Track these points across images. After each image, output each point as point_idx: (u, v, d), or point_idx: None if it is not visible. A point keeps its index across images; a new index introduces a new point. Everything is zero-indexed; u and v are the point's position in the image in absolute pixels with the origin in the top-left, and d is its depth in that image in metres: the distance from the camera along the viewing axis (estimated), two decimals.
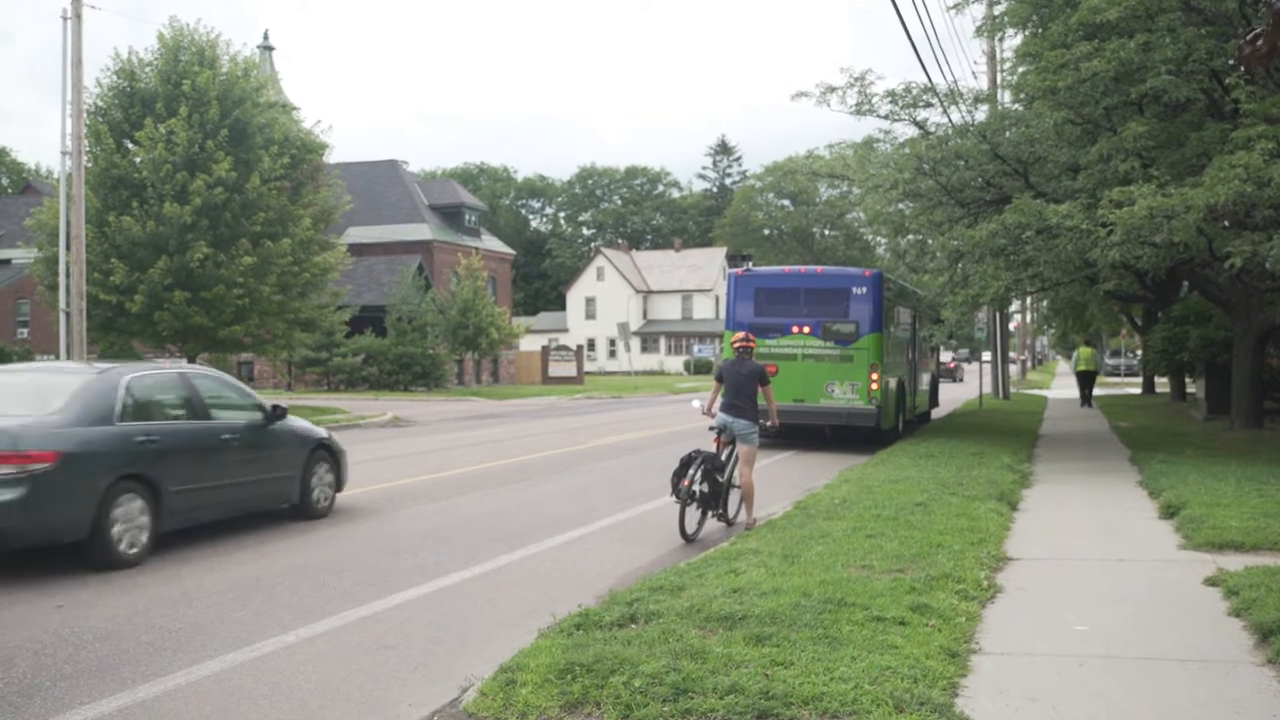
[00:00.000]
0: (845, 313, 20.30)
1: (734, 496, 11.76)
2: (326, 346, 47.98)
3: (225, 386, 12.00)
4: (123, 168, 30.96)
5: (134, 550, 9.71)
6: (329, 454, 12.75)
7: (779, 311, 20.64)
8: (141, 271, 30.36)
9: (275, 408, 12.12)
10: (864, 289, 20.33)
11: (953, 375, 61.29)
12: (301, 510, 12.24)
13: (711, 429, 11.76)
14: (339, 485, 12.99)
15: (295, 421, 12.51)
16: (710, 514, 11.34)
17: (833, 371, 20.13)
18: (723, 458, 11.45)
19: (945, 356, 61.85)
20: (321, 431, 12.94)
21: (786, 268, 22.52)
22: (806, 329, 20.30)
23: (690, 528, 10.91)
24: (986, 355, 42.11)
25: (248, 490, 11.51)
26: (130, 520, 9.71)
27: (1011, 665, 6.23)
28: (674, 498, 10.87)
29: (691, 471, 10.82)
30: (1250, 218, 15.80)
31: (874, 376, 19.99)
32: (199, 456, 10.77)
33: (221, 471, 11.04)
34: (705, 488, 11.08)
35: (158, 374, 11.24)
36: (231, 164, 30.64)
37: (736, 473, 11.61)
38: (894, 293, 22.36)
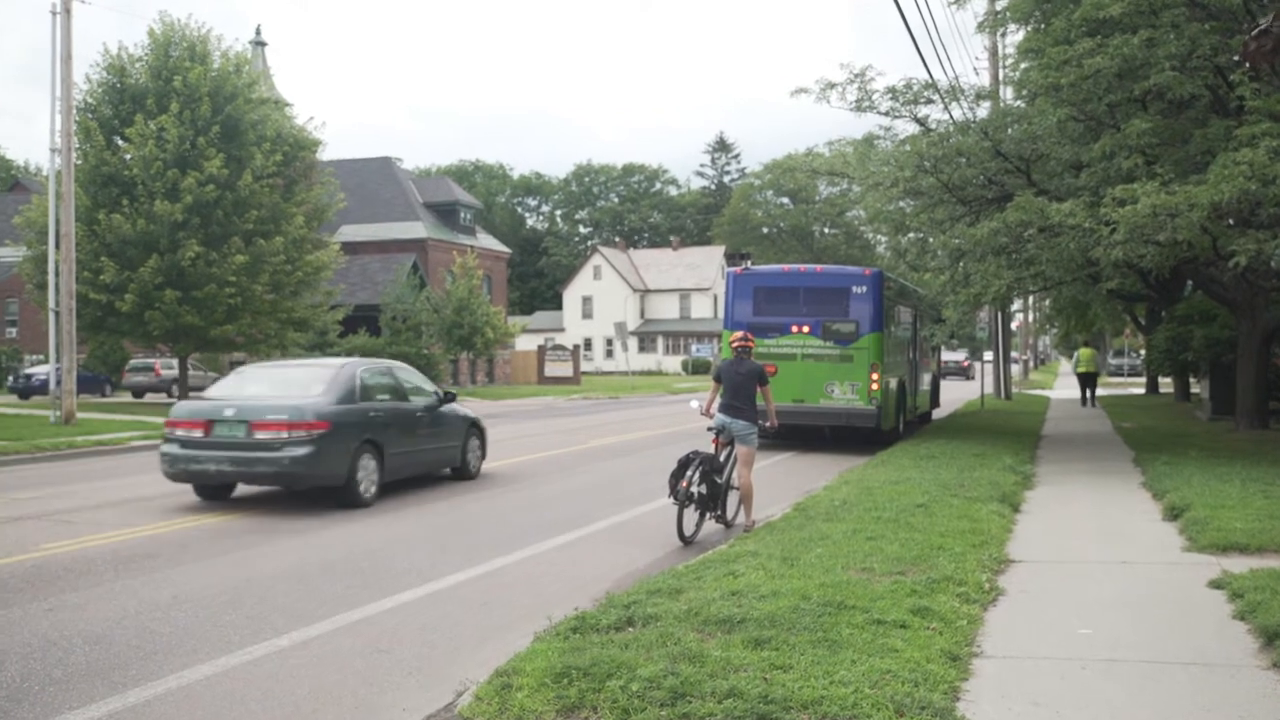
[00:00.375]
0: (845, 312, 20.31)
1: (732, 498, 11.76)
2: (320, 346, 47.83)
3: (414, 376, 15.75)
4: (113, 165, 30.98)
5: (368, 495, 13.38)
6: (478, 431, 16.37)
7: (778, 311, 20.65)
8: (132, 270, 30.37)
9: (446, 394, 15.76)
10: (864, 288, 20.33)
11: (965, 373, 61.57)
12: (460, 473, 15.90)
13: (709, 430, 11.76)
14: (483, 455, 16.56)
15: (457, 405, 16.01)
16: (708, 516, 11.34)
17: (832, 371, 20.14)
18: (721, 459, 11.45)
19: (960, 355, 62.12)
20: (473, 413, 16.64)
21: (786, 266, 22.52)
22: (806, 328, 20.30)
23: (688, 530, 10.91)
24: (988, 355, 42.13)
25: (431, 455, 15.21)
26: (368, 472, 13.42)
27: (1014, 669, 6.23)
28: (672, 499, 10.86)
29: (689, 473, 10.81)
30: (1255, 216, 15.80)
31: (874, 376, 19.99)
32: (405, 428, 14.48)
33: (417, 440, 14.77)
34: (703, 489, 11.08)
35: (375, 366, 14.94)
36: (223, 161, 30.66)
37: (735, 474, 11.61)
38: (894, 292, 22.36)
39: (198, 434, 13.10)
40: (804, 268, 21.87)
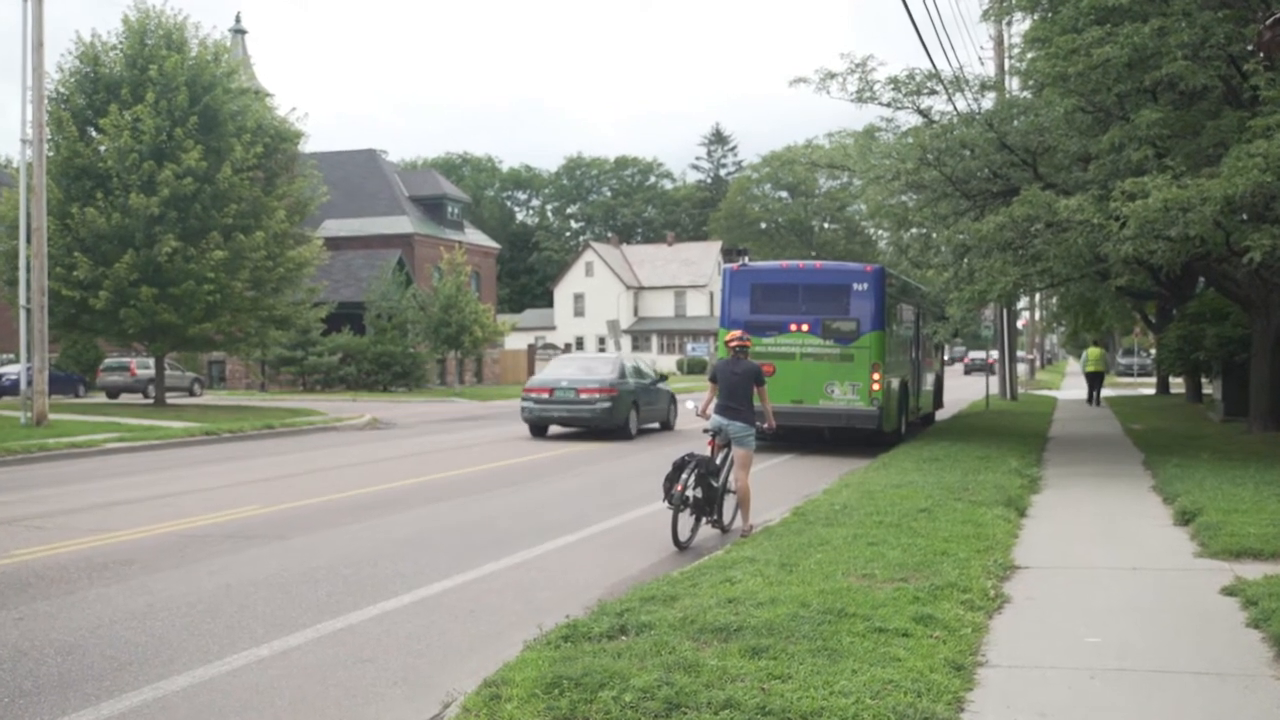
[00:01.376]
0: (846, 310, 20.31)
1: (729, 502, 11.76)
2: (302, 345, 47.88)
3: (644, 364, 26.92)
4: (86, 157, 30.85)
5: (634, 432, 24.10)
6: (674, 400, 26.96)
7: (776, 308, 20.66)
8: (106, 266, 30.26)
9: (661, 375, 27.01)
10: (865, 285, 20.34)
11: (990, 369, 62.10)
12: (665, 425, 26.46)
13: (705, 431, 11.76)
14: (676, 416, 26.94)
15: (664, 385, 26.54)
16: (704, 520, 11.34)
17: (832, 371, 20.15)
18: (717, 461, 11.45)
19: (983, 353, 62.57)
20: (670, 388, 27.11)
21: (784, 262, 22.54)
22: (805, 327, 20.32)
23: (683, 535, 10.91)
24: (993, 353, 42.18)
25: (656, 412, 25.88)
26: (634, 420, 24.22)
27: (1020, 678, 6.23)
28: (666, 503, 10.86)
29: (685, 476, 10.81)
30: (1270, 210, 15.84)
31: (875, 376, 20.00)
32: (646, 395, 25.12)
33: (651, 403, 25.50)
34: (699, 493, 11.08)
35: (628, 357, 26.23)
36: (201, 153, 30.55)
37: (732, 477, 11.61)
38: (896, 289, 22.37)
39: (545, 395, 23.93)
40: (803, 264, 21.88)
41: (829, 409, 20.21)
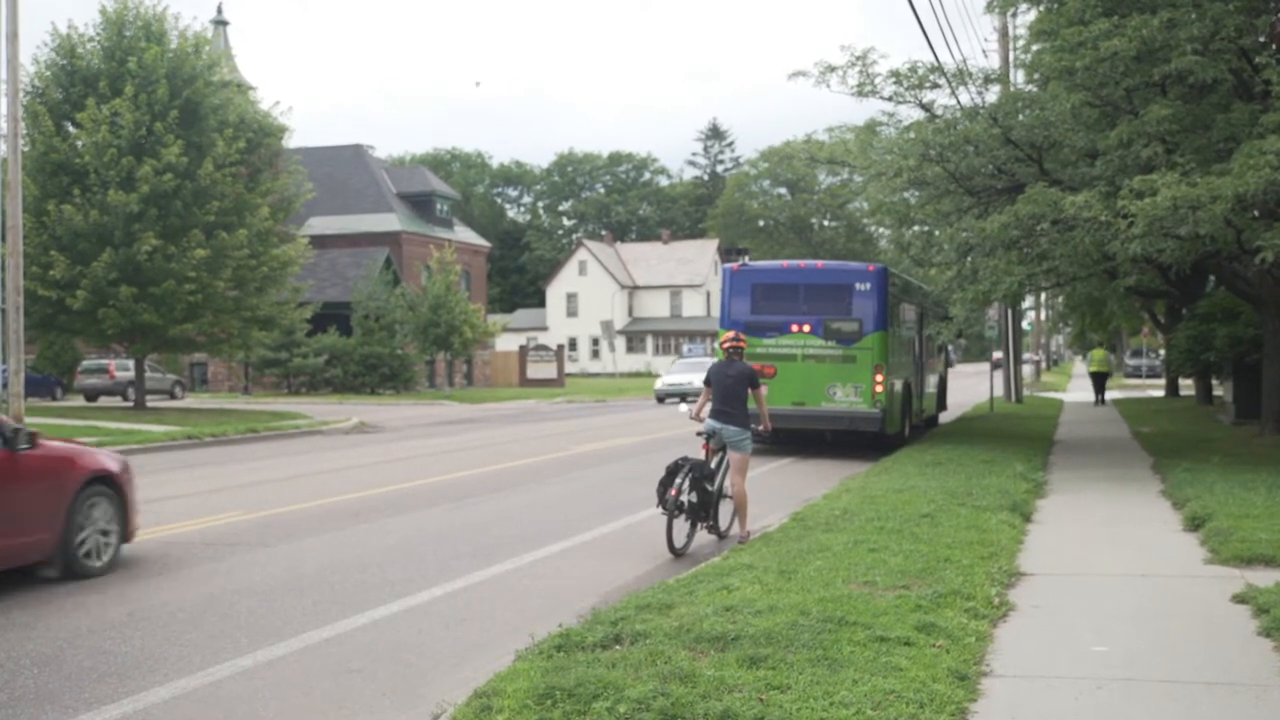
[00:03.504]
0: (848, 310, 20.35)
1: (726, 507, 11.77)
2: (286, 346, 47.84)
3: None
4: (63, 152, 30.78)
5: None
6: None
7: (777, 309, 20.68)
8: (84, 265, 30.21)
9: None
10: (867, 285, 20.38)
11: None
12: None
13: (699, 434, 11.77)
14: None
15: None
16: (700, 526, 11.35)
17: (834, 373, 20.19)
18: (712, 465, 11.46)
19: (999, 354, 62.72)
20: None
21: (785, 262, 22.55)
22: (806, 327, 20.35)
23: (679, 541, 10.92)
24: (997, 354, 42.25)
25: None
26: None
27: (1025, 689, 6.25)
28: (661, 509, 10.87)
29: (679, 480, 10.81)
30: None
31: (878, 378, 20.04)
32: None
33: None
34: (694, 498, 11.07)
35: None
36: (182, 148, 30.49)
37: (728, 482, 11.62)
38: (899, 289, 22.41)
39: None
40: (804, 263, 21.91)
41: (830, 411, 20.25)
